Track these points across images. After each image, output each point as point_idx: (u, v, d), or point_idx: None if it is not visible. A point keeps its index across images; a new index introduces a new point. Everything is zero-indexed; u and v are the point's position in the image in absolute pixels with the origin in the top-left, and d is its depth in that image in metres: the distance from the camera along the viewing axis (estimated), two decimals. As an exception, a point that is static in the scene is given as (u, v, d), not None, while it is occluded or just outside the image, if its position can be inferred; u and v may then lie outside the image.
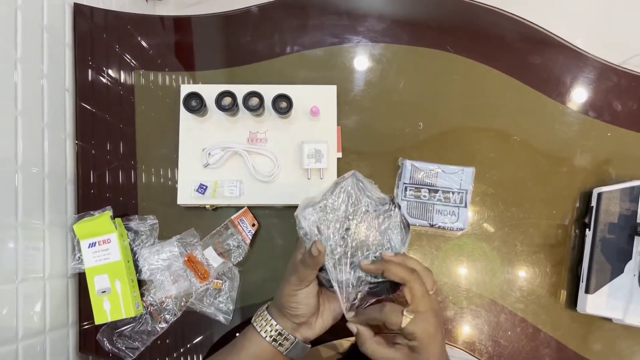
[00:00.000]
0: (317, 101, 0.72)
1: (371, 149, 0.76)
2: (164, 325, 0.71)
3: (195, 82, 0.76)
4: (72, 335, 0.72)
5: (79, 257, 0.70)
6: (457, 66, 0.77)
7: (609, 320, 0.71)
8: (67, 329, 0.71)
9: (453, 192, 0.73)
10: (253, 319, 0.60)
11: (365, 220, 0.55)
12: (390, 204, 0.57)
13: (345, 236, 0.55)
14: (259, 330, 0.57)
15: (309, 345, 0.60)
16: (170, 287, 0.71)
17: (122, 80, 0.76)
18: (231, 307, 0.72)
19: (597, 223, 0.70)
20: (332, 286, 0.55)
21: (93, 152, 0.75)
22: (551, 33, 0.78)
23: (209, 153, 0.71)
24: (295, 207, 0.72)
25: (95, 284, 0.68)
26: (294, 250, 0.60)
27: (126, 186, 0.75)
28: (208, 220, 0.74)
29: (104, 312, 0.68)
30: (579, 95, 0.77)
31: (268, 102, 0.70)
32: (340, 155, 0.74)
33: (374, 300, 0.58)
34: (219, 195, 0.70)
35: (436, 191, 0.73)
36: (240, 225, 0.72)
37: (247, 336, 0.58)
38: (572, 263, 0.74)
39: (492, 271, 0.74)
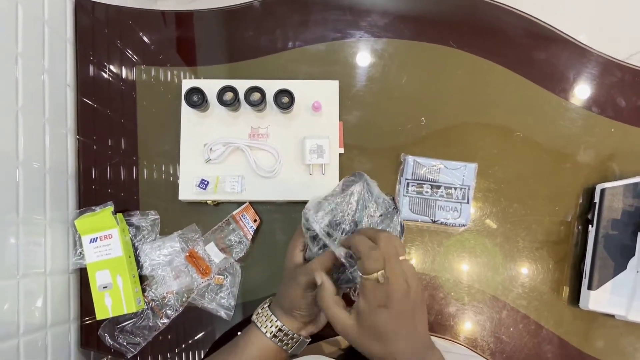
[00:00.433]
0: (319, 96, 0.72)
1: (373, 145, 0.75)
2: (165, 320, 0.71)
3: (196, 77, 0.76)
4: (74, 330, 0.72)
5: (80, 253, 0.70)
6: (459, 61, 0.77)
7: (612, 316, 0.71)
8: (68, 324, 0.71)
9: (455, 188, 0.72)
10: (254, 317, 0.60)
11: (370, 225, 0.56)
12: (393, 209, 0.57)
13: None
14: (261, 329, 0.57)
15: (309, 339, 0.60)
16: (172, 282, 0.71)
17: (123, 76, 0.76)
18: (233, 303, 0.72)
19: (600, 219, 0.70)
20: (337, 283, 0.56)
21: (94, 147, 0.75)
22: (555, 28, 0.77)
23: (211, 148, 0.71)
24: (297, 203, 0.73)
25: (97, 280, 0.68)
26: (289, 249, 0.60)
27: (127, 181, 0.75)
28: (209, 215, 0.74)
29: (105, 307, 0.68)
30: (583, 91, 0.77)
31: (270, 97, 0.70)
32: (342, 150, 0.73)
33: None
34: (221, 190, 0.70)
35: (438, 187, 0.73)
36: (242, 221, 0.72)
37: (250, 334, 0.58)
38: (575, 259, 0.74)
39: (494, 267, 0.74)
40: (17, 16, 0.61)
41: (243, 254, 0.73)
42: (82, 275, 0.72)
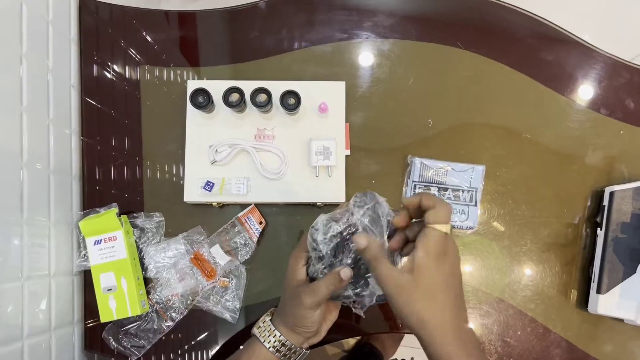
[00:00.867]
0: (325, 97, 0.72)
1: (380, 146, 0.75)
2: (170, 323, 0.71)
3: (200, 78, 0.75)
4: (78, 333, 0.71)
5: (84, 255, 0.69)
6: (467, 62, 0.76)
7: (621, 321, 0.70)
8: (72, 326, 0.70)
9: (463, 191, 0.72)
10: (256, 331, 0.59)
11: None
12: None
13: (358, 259, 0.54)
14: (264, 343, 0.57)
15: (309, 350, 0.60)
16: (177, 285, 0.71)
17: (127, 76, 0.75)
18: (238, 306, 0.72)
19: (609, 222, 0.69)
20: (338, 299, 0.57)
21: (98, 148, 0.74)
22: (562, 29, 0.76)
23: (216, 150, 0.70)
24: (303, 205, 0.72)
25: (101, 282, 0.68)
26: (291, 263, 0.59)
27: (132, 183, 0.74)
28: (215, 217, 0.73)
29: (109, 310, 0.68)
30: (591, 92, 0.76)
31: (276, 99, 0.69)
32: (348, 152, 0.73)
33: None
34: (226, 192, 0.70)
35: (446, 189, 0.72)
36: (248, 223, 0.72)
37: (253, 348, 0.58)
38: (583, 263, 0.73)
39: (501, 270, 0.74)
40: (21, 16, 0.61)
41: (248, 256, 0.72)
42: (87, 278, 0.72)
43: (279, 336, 0.56)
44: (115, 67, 0.75)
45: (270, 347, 0.56)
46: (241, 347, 0.63)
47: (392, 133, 0.75)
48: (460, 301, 0.48)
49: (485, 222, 0.74)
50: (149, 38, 0.76)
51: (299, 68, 0.76)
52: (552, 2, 1.54)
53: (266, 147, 0.71)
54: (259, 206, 0.73)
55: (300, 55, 0.76)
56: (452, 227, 0.72)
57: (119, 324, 0.71)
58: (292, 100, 0.69)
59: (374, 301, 0.56)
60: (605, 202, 0.71)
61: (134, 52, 0.76)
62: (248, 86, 0.69)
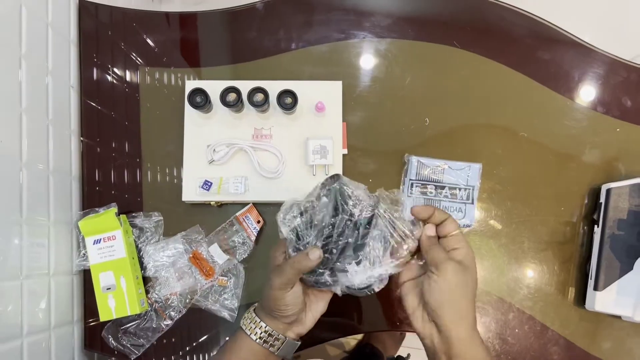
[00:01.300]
0: (322, 97, 0.72)
1: (377, 145, 0.75)
2: (168, 322, 0.71)
3: (200, 79, 0.76)
4: (77, 332, 0.72)
5: (83, 254, 0.70)
6: (464, 61, 0.76)
7: (618, 317, 0.70)
8: (72, 325, 0.71)
9: (460, 189, 0.72)
10: (242, 322, 0.59)
11: (346, 230, 0.53)
12: (372, 216, 0.54)
13: (328, 243, 0.53)
14: (248, 333, 0.57)
15: (299, 342, 0.59)
16: (175, 284, 0.71)
17: (127, 78, 0.76)
18: (236, 304, 0.72)
19: (606, 219, 0.69)
20: (315, 286, 0.56)
21: (98, 149, 0.75)
22: (560, 28, 0.77)
23: (214, 149, 0.71)
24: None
25: (100, 281, 0.68)
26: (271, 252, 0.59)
27: (131, 183, 0.75)
28: (213, 217, 0.74)
29: (109, 309, 0.68)
30: (588, 90, 0.76)
31: (273, 98, 0.70)
32: (345, 151, 0.73)
33: None
34: (224, 191, 0.70)
35: (443, 187, 0.72)
36: (246, 222, 0.72)
37: (237, 339, 0.58)
38: (581, 260, 0.74)
39: (499, 269, 0.74)
40: (21, 18, 0.61)
41: (246, 255, 0.72)
42: (86, 277, 0.72)
43: (265, 327, 0.56)
44: (115, 69, 0.76)
45: (256, 339, 0.56)
46: (227, 338, 0.61)
47: (389, 132, 0.75)
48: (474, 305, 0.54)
49: (482, 220, 0.74)
50: (148, 40, 0.77)
51: (298, 68, 0.76)
52: (552, 2, 1.54)
53: (264, 147, 0.71)
54: (256, 205, 0.73)
55: (299, 55, 0.77)
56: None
57: (118, 322, 0.71)
58: (289, 100, 0.70)
59: (351, 291, 0.55)
60: (602, 199, 0.71)
61: (133, 54, 0.76)
62: (245, 86, 0.69)
